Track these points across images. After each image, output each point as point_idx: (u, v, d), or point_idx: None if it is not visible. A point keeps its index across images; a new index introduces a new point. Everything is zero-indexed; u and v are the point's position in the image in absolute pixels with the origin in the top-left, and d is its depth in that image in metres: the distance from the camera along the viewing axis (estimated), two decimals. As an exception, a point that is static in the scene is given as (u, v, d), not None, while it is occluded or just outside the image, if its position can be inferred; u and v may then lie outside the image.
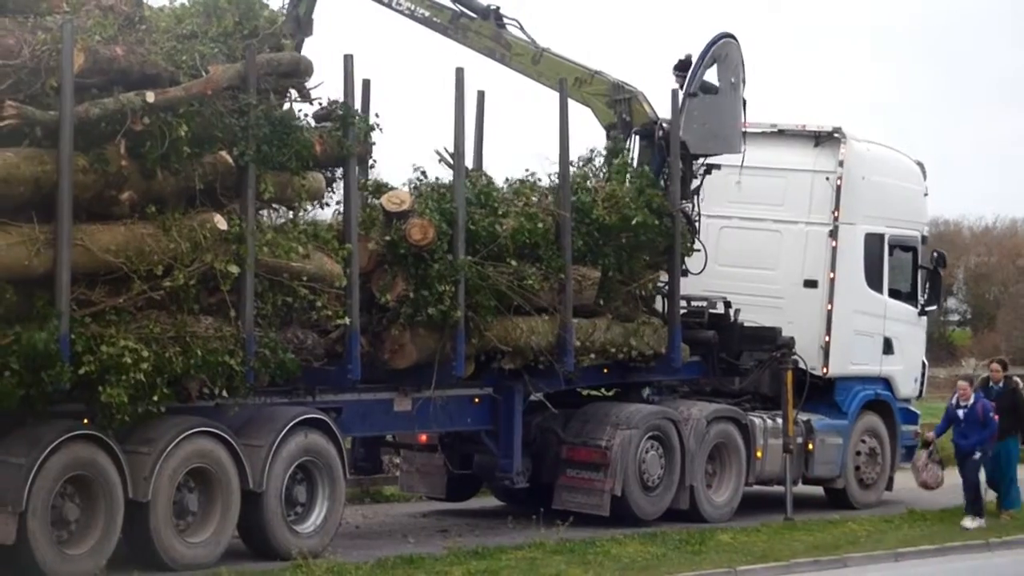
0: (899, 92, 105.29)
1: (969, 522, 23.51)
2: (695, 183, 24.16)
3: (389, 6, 22.56)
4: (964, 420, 23.64)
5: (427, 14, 23.42)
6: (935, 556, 21.77)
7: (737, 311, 24.88)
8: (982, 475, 24.27)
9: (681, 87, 23.67)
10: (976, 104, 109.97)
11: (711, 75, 23.92)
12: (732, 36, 24.00)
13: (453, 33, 23.40)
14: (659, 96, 24.01)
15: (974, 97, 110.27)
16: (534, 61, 23.72)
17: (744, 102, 24.06)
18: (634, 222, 22.60)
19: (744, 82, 24.02)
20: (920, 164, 27.56)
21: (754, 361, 24.69)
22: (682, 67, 23.98)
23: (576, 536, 20.72)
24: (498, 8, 23.49)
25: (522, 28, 23.77)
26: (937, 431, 24.60)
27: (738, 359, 24.71)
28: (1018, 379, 25.43)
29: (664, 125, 23.77)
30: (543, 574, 18.50)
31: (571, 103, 22.74)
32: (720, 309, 24.89)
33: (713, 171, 24.28)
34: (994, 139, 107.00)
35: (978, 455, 23.61)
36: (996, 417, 23.64)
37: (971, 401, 23.65)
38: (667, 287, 23.78)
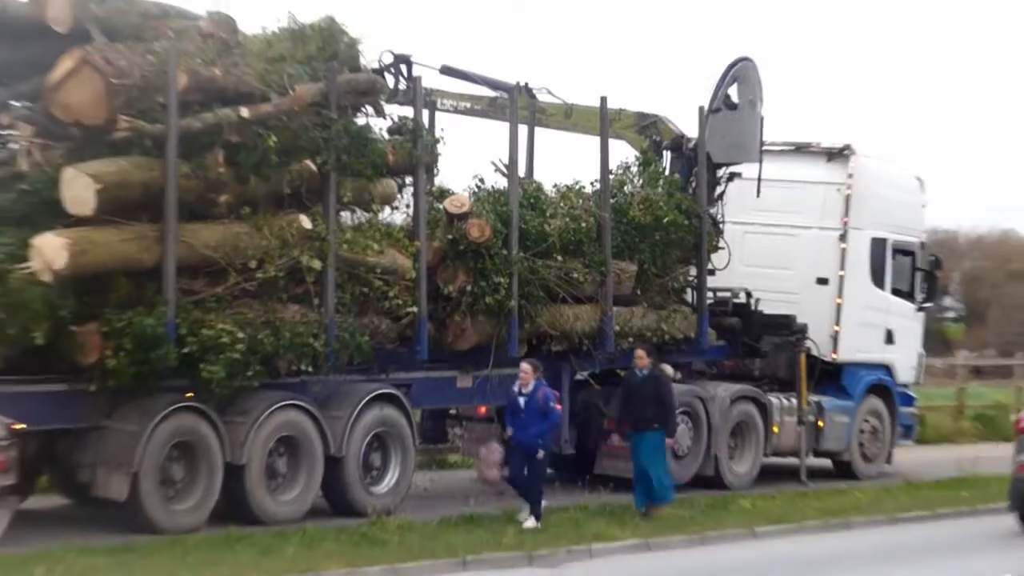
0: (912, 108, 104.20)
1: (530, 522, 18.74)
2: (719, 189, 24.28)
3: (435, 107, 22.25)
4: (524, 410, 18.92)
5: (468, 105, 23.32)
6: (928, 521, 21.79)
7: (758, 300, 24.99)
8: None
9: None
10: (977, 122, 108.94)
11: (732, 93, 24.05)
12: (750, 59, 24.12)
13: (493, 114, 23.14)
14: (686, 112, 24.30)
15: (979, 116, 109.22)
16: (567, 116, 23.77)
17: (762, 119, 24.07)
18: (665, 221, 22.78)
19: (762, 100, 24.05)
20: (920, 179, 27.58)
21: (772, 346, 24.81)
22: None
23: (615, 501, 20.72)
24: (527, 83, 23.28)
25: (550, 92, 23.73)
26: (508, 423, 19.59)
27: (758, 343, 24.79)
28: (667, 367, 21.79)
29: (690, 139, 23.99)
30: (586, 533, 18.52)
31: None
32: (743, 299, 25.02)
33: (735, 179, 24.36)
34: (993, 155, 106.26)
35: (541, 454, 18.97)
36: (558, 407, 19.50)
37: (531, 388, 18.97)
38: (696, 279, 23.91)
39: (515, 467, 19.18)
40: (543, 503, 19.05)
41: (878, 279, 26.10)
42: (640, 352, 20.54)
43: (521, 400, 18.99)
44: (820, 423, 24.98)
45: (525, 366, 19.10)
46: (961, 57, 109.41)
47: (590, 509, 19.93)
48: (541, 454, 19.00)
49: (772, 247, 25.56)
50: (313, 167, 18.58)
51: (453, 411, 22.85)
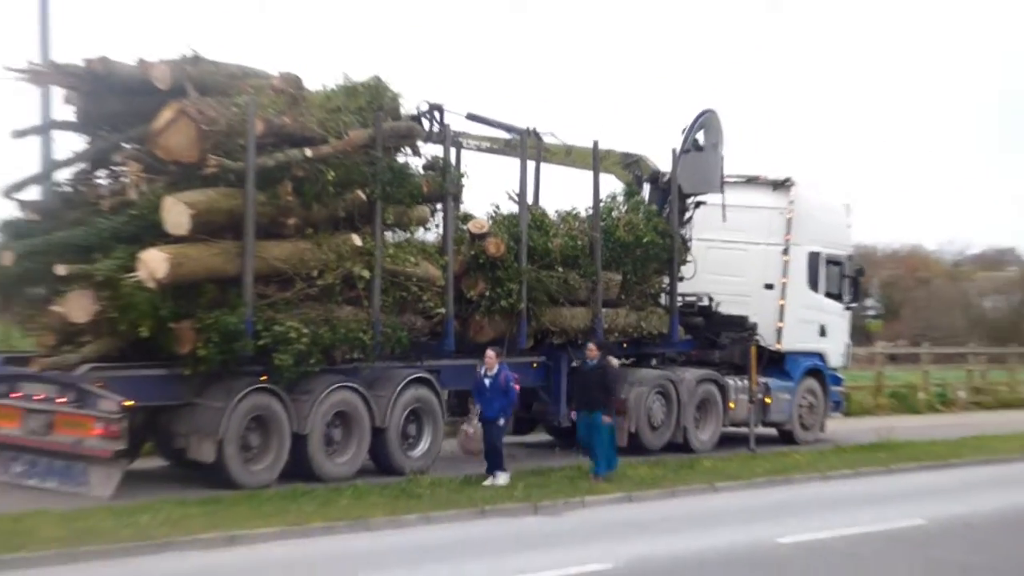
0: (842, 145, 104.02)
1: (490, 481, 18.36)
2: (687, 214, 24.13)
3: (461, 147, 21.49)
4: (489, 389, 18.49)
5: (488, 145, 22.86)
6: (853, 477, 21.65)
7: (718, 304, 24.95)
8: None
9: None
10: (892, 157, 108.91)
11: (699, 138, 23.87)
12: (713, 110, 23.97)
13: (508, 152, 22.57)
14: (661, 151, 24.14)
15: (893, 152, 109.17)
16: (566, 154, 23.38)
17: (722, 158, 23.86)
18: (645, 240, 22.72)
19: (722, 143, 23.87)
20: (847, 204, 27.50)
21: (729, 339, 24.70)
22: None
23: (604, 461, 20.70)
24: (536, 128, 22.64)
25: (554, 135, 23.26)
26: (476, 401, 19.00)
27: (718, 337, 24.71)
28: (612, 359, 20.77)
29: (665, 174, 23.84)
30: (580, 488, 18.44)
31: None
32: (706, 303, 24.96)
33: (700, 206, 24.23)
34: (904, 185, 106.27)
35: (502, 421, 18.59)
36: (517, 387, 18.76)
37: (495, 371, 18.52)
38: (668, 286, 23.74)
39: (490, 437, 18.70)
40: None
41: (814, 284, 25.94)
42: (591, 346, 19.79)
43: (487, 381, 18.54)
44: (767, 400, 24.88)
45: (490, 353, 18.65)
46: (880, 101, 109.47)
47: (583, 469, 19.76)
48: (502, 421, 18.60)
49: (729, 259, 25.42)
50: (363, 196, 18.49)
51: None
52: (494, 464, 18.58)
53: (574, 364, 21.74)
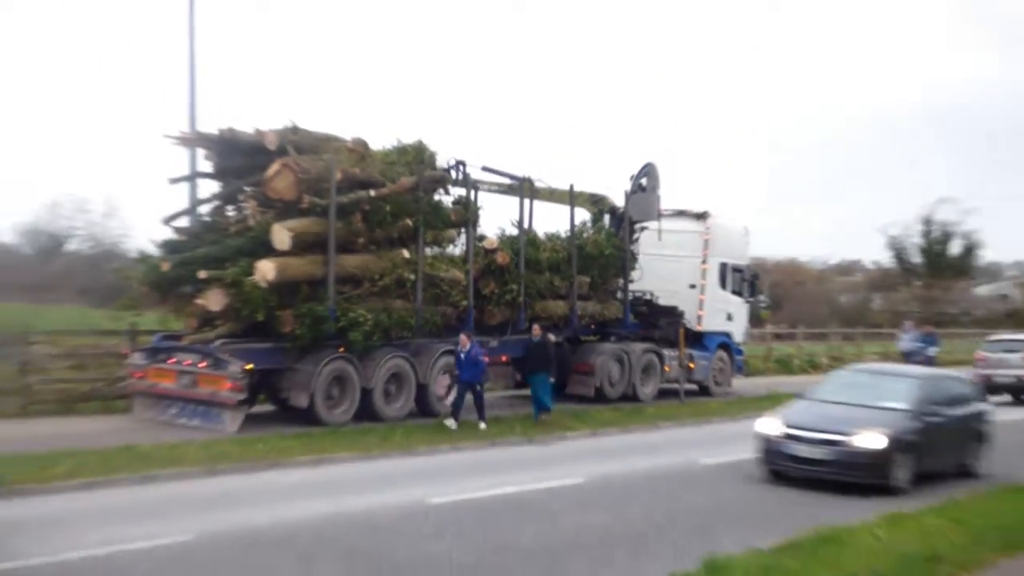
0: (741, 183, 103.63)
1: (452, 423, 17.43)
2: (635, 236, 24.00)
3: (479, 189, 20.88)
4: (464, 361, 17.57)
5: (497, 187, 22.24)
6: (752, 418, 21.26)
7: (657, 298, 24.82)
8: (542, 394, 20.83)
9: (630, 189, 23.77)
10: (779, 190, 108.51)
11: (644, 183, 23.81)
12: (653, 163, 23.93)
13: (511, 192, 22.10)
14: (618, 191, 23.91)
15: (793, 193, 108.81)
16: (551, 194, 23.04)
17: (659, 197, 23.83)
18: (606, 254, 22.64)
19: (659, 186, 23.77)
20: (746, 227, 27.38)
21: (665, 323, 24.70)
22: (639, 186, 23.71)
23: (578, 408, 20.66)
24: (530, 176, 22.05)
25: (542, 180, 22.73)
26: (457, 369, 18.08)
27: (657, 321, 24.62)
28: (551, 335, 19.83)
29: (619, 208, 23.87)
30: (562, 424, 18.53)
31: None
32: (649, 297, 24.83)
33: (644, 230, 24.16)
34: (787, 212, 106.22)
35: (480, 388, 17.86)
36: (485, 359, 18.04)
37: (468, 348, 17.61)
38: (622, 286, 23.65)
39: (459, 396, 17.96)
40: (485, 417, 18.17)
41: (723, 285, 25.80)
42: (536, 327, 19.44)
43: (462, 355, 17.70)
44: (691, 365, 24.79)
45: (462, 336, 17.80)
46: (771, 144, 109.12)
47: (562, 412, 19.84)
48: (479, 388, 17.91)
49: (665, 267, 25.24)
50: (410, 223, 18.50)
51: (487, 359, 22.66)
52: (481, 414, 18.01)
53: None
